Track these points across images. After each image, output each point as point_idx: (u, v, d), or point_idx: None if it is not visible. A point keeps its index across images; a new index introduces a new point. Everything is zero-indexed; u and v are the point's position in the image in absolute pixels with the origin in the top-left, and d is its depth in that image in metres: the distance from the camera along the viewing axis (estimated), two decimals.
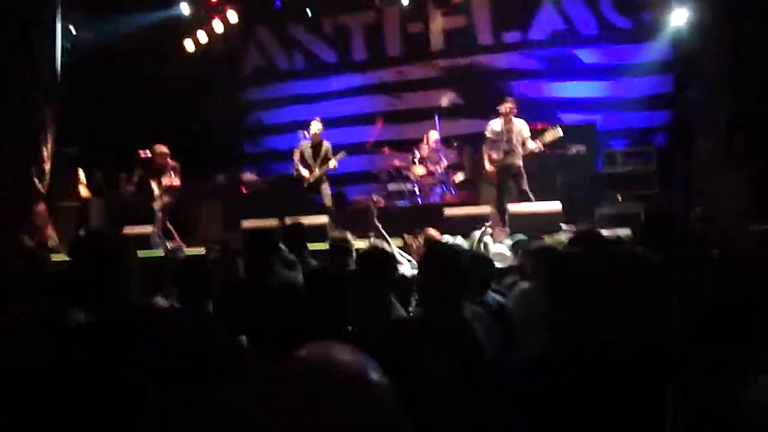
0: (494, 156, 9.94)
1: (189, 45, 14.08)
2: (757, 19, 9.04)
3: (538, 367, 2.29)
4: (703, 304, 2.61)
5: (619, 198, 10.90)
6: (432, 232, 7.00)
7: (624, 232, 8.12)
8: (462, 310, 3.23)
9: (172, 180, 10.80)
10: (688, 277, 2.86)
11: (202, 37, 14.10)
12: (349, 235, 5.69)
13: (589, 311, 2.21)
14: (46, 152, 11.01)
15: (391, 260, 4.14)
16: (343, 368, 1.22)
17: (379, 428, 1.19)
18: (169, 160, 10.87)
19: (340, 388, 1.20)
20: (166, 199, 10.80)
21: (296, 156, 11.16)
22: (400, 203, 12.30)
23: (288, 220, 7.89)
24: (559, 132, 9.74)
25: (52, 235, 10.65)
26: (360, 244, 6.37)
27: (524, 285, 4.68)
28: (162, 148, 10.83)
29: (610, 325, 2.15)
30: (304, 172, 11.05)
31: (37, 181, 10.88)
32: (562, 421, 2.06)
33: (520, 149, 9.73)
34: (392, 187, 12.68)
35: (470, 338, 3.11)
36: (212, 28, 14.02)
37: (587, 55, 13.28)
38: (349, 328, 3.35)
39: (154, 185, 10.96)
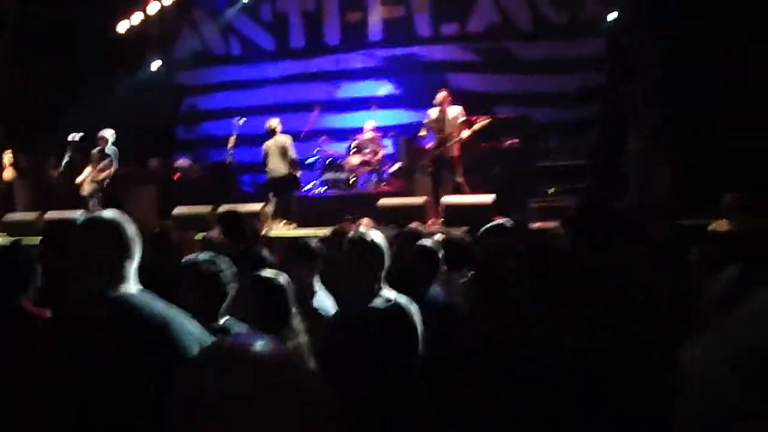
0: (430, 144, 10.09)
1: (123, 26, 13.72)
2: (688, 21, 9.27)
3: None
4: (629, 294, 2.68)
5: (552, 191, 11.06)
6: (367, 221, 7.01)
7: (556, 224, 8.26)
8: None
9: (106, 167, 10.65)
10: (615, 268, 2.93)
11: (137, 18, 13.76)
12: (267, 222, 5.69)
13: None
14: None
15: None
16: (265, 358, 1.21)
17: (307, 415, 1.19)
18: (108, 145, 10.75)
19: (265, 377, 1.19)
20: (96, 185, 10.62)
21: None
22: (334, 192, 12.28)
23: (225, 208, 7.83)
24: (487, 120, 9.99)
25: None
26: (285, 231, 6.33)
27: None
28: (104, 133, 10.71)
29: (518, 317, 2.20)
30: None
31: None
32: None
33: (455, 137, 9.85)
34: (327, 176, 12.62)
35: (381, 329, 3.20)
36: (147, 10, 13.69)
37: (522, 49, 13.43)
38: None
39: (86, 170, 10.78)
